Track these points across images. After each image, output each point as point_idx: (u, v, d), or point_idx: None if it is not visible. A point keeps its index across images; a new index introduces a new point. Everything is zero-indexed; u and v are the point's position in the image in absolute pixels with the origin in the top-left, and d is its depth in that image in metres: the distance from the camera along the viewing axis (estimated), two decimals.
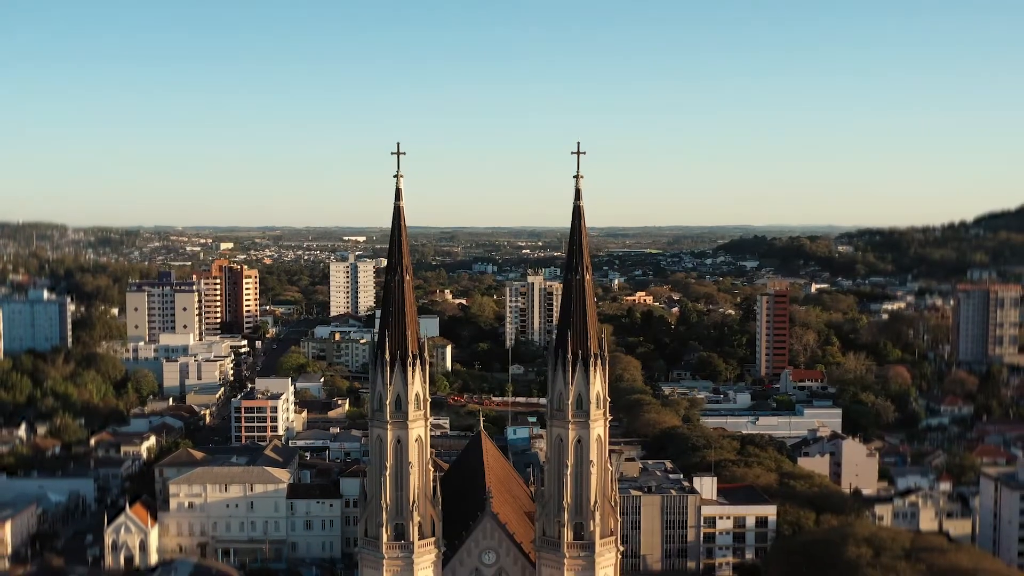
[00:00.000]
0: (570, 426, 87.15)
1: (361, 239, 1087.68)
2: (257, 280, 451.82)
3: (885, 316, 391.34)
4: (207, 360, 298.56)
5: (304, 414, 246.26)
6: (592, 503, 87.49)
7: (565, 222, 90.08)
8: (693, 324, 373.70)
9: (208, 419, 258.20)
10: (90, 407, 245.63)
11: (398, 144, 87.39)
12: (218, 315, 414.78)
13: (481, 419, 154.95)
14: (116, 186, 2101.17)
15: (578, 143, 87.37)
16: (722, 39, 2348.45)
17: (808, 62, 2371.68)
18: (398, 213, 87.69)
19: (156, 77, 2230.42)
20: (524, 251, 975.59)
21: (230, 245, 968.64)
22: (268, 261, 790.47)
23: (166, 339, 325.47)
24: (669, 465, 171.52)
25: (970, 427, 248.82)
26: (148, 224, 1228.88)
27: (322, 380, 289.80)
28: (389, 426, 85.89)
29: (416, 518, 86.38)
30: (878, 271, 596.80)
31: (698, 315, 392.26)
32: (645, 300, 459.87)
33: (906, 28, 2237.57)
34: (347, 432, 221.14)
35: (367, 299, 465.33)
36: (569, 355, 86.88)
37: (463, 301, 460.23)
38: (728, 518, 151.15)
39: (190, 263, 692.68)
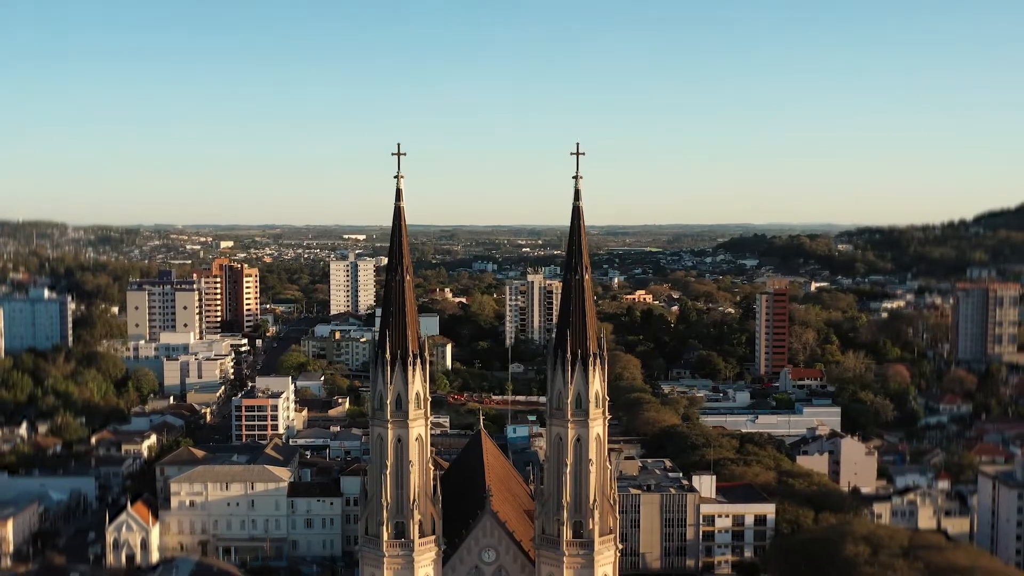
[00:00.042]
0: (569, 425, 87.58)
1: (361, 237, 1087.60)
2: (257, 279, 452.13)
3: (884, 315, 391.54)
4: (207, 359, 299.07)
5: (304, 413, 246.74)
6: (591, 501, 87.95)
7: (565, 220, 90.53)
8: (693, 323, 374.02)
9: (209, 418, 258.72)
10: (91, 406, 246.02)
11: (398, 145, 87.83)
12: (218, 314, 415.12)
13: (481, 418, 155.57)
14: (116, 184, 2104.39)
15: (577, 144, 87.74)
16: (722, 38, 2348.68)
17: (808, 61, 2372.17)
18: (399, 213, 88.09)
19: (156, 76, 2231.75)
20: (524, 249, 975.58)
21: (230, 243, 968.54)
22: (268, 259, 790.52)
23: (166, 338, 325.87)
24: (668, 464, 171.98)
25: (969, 426, 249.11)
26: (148, 222, 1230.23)
27: (322, 379, 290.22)
28: (390, 425, 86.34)
29: (416, 516, 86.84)
30: (878, 269, 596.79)
31: (698, 314, 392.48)
32: (645, 299, 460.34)
33: (906, 27, 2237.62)
34: (347, 431, 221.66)
35: (367, 298, 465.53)
36: (568, 354, 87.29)
37: (463, 300, 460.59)
38: (727, 516, 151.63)
39: (190, 262, 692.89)
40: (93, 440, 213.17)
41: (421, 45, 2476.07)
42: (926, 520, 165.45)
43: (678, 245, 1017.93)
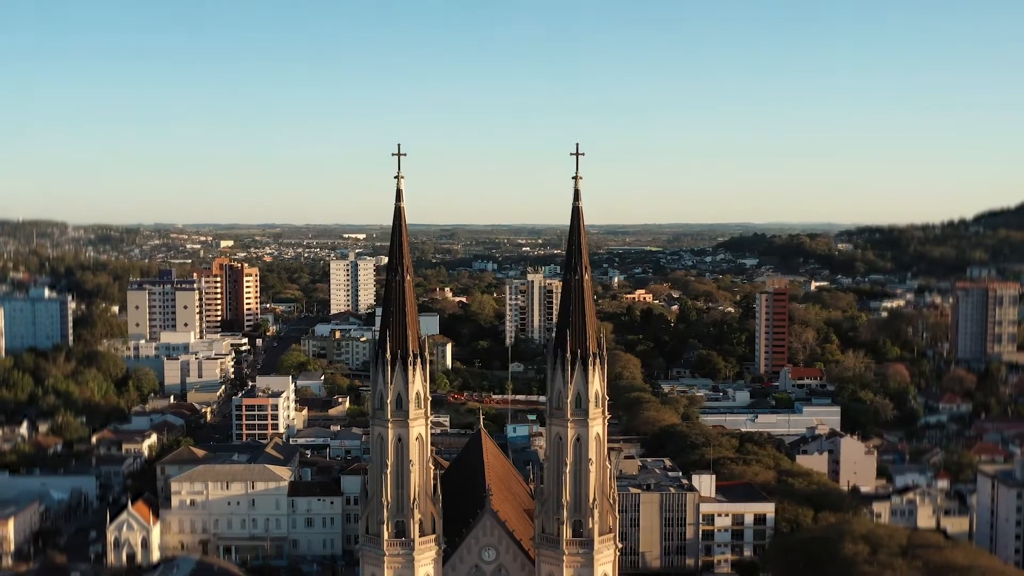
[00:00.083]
0: (569, 425, 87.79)
1: (361, 237, 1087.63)
2: (257, 278, 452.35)
3: (884, 314, 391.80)
4: (208, 358, 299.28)
5: (305, 412, 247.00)
6: (591, 501, 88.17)
7: (565, 219, 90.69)
8: (692, 322, 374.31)
9: (209, 417, 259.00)
10: (91, 405, 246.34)
11: (399, 146, 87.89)
12: (219, 313, 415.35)
13: (481, 417, 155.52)
14: (116, 183, 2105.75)
15: (577, 144, 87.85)
16: (722, 37, 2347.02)
17: (808, 60, 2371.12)
18: (399, 214, 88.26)
19: (156, 75, 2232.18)
20: (524, 249, 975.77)
21: (230, 243, 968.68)
22: (268, 259, 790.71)
23: (167, 337, 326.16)
24: (668, 463, 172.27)
25: (968, 425, 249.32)
26: (148, 221, 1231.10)
27: (322, 378, 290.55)
28: (390, 425, 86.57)
29: (417, 515, 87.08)
30: (878, 269, 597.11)
31: (697, 313, 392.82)
32: (645, 298, 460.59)
33: (906, 26, 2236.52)
34: (347, 430, 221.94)
35: (367, 297, 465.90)
36: (568, 354, 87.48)
37: (463, 299, 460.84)
38: (726, 516, 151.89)
39: (190, 261, 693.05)
40: (94, 439, 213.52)
41: (421, 44, 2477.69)
42: (925, 519, 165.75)
43: (678, 244, 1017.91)
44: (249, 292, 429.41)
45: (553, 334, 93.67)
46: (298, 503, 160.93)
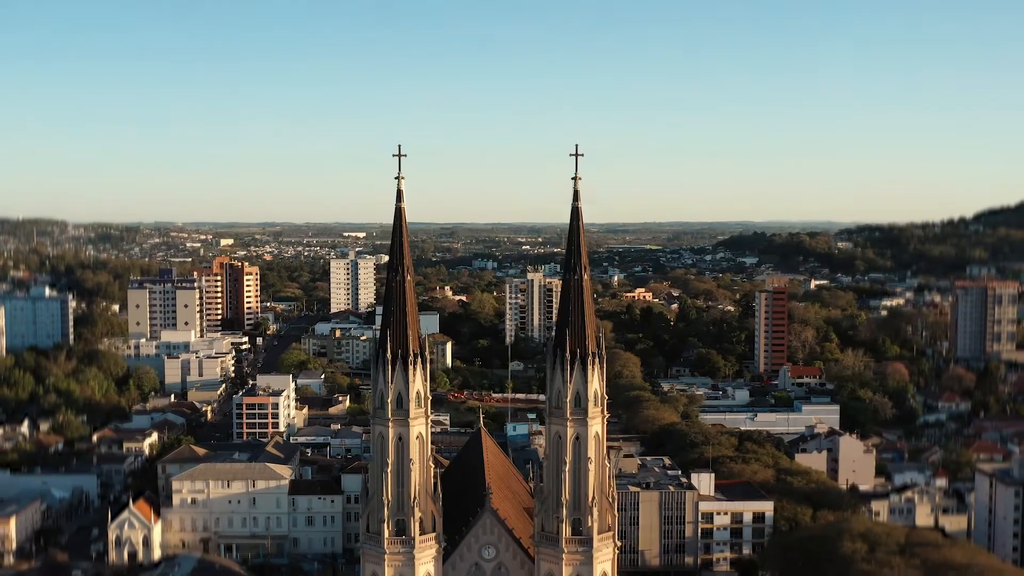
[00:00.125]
0: (568, 424, 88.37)
1: (361, 235, 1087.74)
2: (258, 277, 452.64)
3: (884, 313, 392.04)
4: (208, 357, 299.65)
5: (305, 411, 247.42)
6: (590, 499, 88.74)
7: (565, 217, 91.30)
8: (692, 321, 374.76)
9: (210, 416, 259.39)
10: (92, 404, 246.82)
11: (399, 147, 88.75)
12: (219, 312, 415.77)
13: (481, 416, 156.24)
14: (116, 182, 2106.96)
15: (576, 145, 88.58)
16: (722, 36, 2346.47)
17: (808, 59, 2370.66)
18: (400, 214, 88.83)
19: (156, 74, 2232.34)
20: (524, 247, 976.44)
21: (230, 241, 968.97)
22: (268, 257, 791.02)
23: (167, 336, 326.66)
24: (667, 461, 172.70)
25: (967, 423, 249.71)
26: (148, 220, 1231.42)
27: (323, 377, 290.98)
28: (391, 424, 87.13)
29: (417, 514, 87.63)
30: (877, 267, 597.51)
31: (697, 312, 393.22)
32: (645, 297, 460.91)
33: (906, 25, 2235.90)
34: (348, 428, 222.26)
35: (367, 296, 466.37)
36: (567, 354, 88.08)
37: (463, 298, 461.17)
38: (725, 514, 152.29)
39: (190, 259, 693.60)
40: (95, 438, 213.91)
41: (421, 42, 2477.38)
42: (924, 517, 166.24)
43: (678, 243, 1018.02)
44: (249, 291, 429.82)
45: (553, 333, 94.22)
46: (299, 501, 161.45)
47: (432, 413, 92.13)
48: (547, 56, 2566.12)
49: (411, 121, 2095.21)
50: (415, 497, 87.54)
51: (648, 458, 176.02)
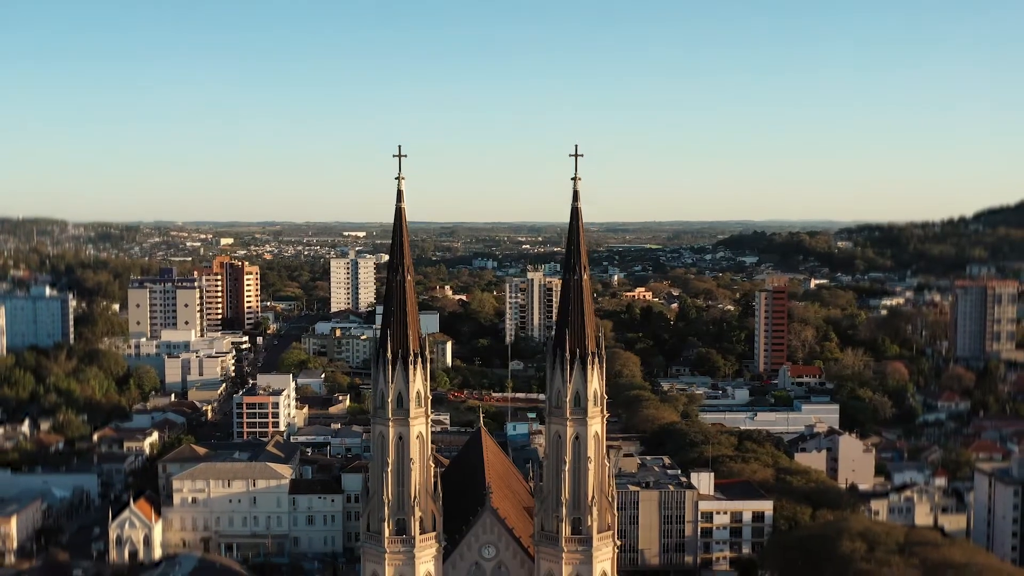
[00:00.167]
0: (568, 423, 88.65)
1: (361, 234, 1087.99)
2: (258, 276, 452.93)
3: (884, 312, 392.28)
4: (209, 356, 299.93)
5: (305, 410, 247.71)
6: (590, 498, 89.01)
7: (565, 216, 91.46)
8: (692, 320, 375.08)
9: (210, 415, 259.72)
10: (93, 403, 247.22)
11: (399, 147, 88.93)
12: (219, 311, 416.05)
13: (481, 415, 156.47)
14: (116, 181, 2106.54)
15: (576, 146, 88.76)
16: (722, 36, 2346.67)
17: (808, 58, 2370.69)
18: (400, 214, 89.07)
19: (156, 73, 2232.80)
20: (524, 246, 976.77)
21: (230, 240, 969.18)
22: (268, 256, 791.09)
23: (168, 335, 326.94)
24: (667, 461, 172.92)
25: (967, 423, 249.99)
26: (148, 219, 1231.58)
27: (323, 376, 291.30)
28: (391, 423, 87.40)
29: (417, 513, 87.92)
30: (877, 266, 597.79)
31: (697, 311, 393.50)
32: (644, 296, 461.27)
33: (906, 24, 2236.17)
34: (348, 428, 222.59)
35: (367, 295, 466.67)
36: (567, 354, 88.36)
37: (463, 297, 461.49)
38: (725, 513, 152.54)
39: (190, 258, 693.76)
40: (95, 437, 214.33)
41: (421, 41, 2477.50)
42: (923, 517, 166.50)
43: (678, 242, 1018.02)
44: (250, 290, 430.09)
45: (552, 333, 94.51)
46: (299, 501, 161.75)
47: (432, 412, 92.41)
48: (547, 56, 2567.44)
49: (411, 121, 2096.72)
50: (415, 496, 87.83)
51: (648, 457, 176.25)
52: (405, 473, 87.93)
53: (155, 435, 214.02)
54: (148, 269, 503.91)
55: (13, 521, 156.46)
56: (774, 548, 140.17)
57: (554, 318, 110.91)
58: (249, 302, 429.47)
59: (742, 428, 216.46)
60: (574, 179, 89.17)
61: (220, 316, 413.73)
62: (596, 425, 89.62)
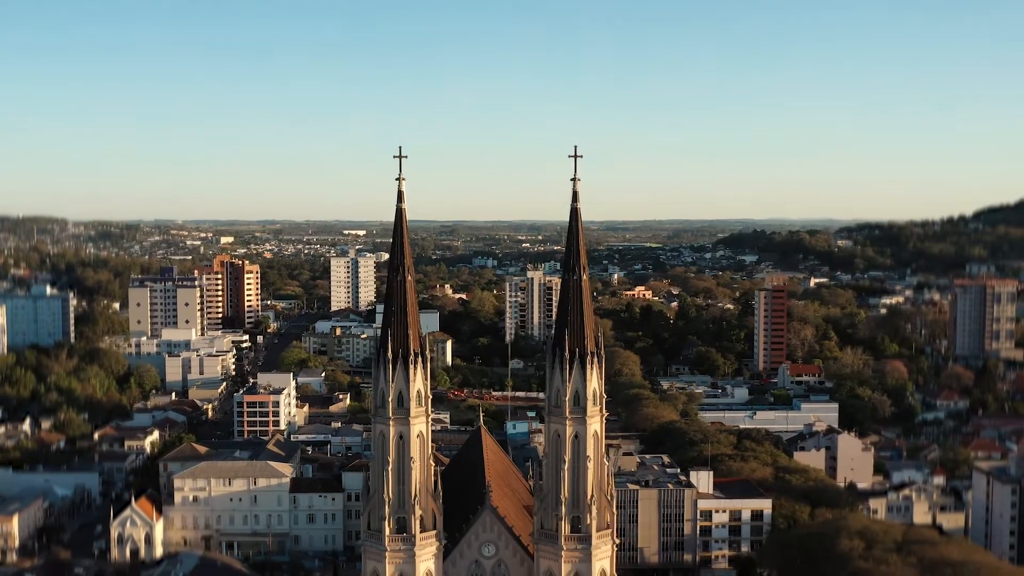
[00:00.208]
0: (567, 422, 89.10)
1: (361, 233, 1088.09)
2: (258, 275, 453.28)
3: (883, 311, 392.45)
4: (209, 355, 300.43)
5: (306, 409, 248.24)
6: (589, 497, 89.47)
7: (565, 215, 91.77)
8: (692, 319, 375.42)
9: (210, 414, 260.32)
10: (93, 402, 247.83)
11: (400, 148, 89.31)
12: (220, 310, 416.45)
13: (481, 414, 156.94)
14: (116, 179, 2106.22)
15: (575, 147, 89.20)
16: (722, 35, 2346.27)
17: (807, 57, 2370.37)
18: (400, 215, 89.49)
19: (156, 71, 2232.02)
20: (524, 245, 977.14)
21: (230, 239, 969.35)
22: (268, 255, 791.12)
23: (168, 334, 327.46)
24: (666, 459, 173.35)
25: (966, 422, 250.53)
26: (148, 218, 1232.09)
27: (323, 375, 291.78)
28: (391, 422, 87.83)
29: (418, 511, 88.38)
30: (877, 265, 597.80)
31: (697, 310, 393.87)
32: (644, 295, 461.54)
33: (906, 23, 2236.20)
34: (348, 427, 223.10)
35: (368, 294, 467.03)
36: (566, 353, 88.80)
37: (463, 296, 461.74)
38: (724, 512, 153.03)
39: (190, 257, 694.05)
40: (96, 436, 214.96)
41: (421, 40, 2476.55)
42: (921, 515, 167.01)
43: (678, 241, 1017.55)
44: (250, 289, 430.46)
45: (552, 332, 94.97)
46: (300, 499, 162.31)
47: (432, 411, 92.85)
48: (547, 55, 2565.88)
49: (411, 120, 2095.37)
50: (416, 495, 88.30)
51: (647, 456, 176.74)
52: (405, 472, 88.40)
53: (156, 434, 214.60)
54: (148, 268, 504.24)
55: (15, 520, 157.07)
56: (773, 546, 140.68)
57: (554, 317, 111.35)
58: (249, 301, 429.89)
59: (741, 427, 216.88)
60: (573, 180, 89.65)
61: (220, 315, 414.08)
62: (595, 424, 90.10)
